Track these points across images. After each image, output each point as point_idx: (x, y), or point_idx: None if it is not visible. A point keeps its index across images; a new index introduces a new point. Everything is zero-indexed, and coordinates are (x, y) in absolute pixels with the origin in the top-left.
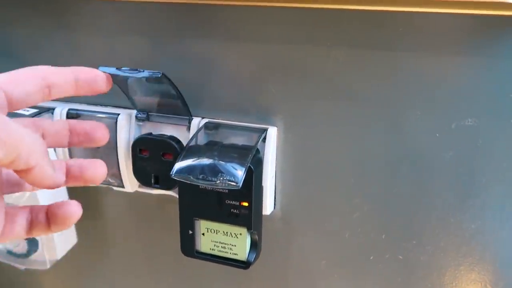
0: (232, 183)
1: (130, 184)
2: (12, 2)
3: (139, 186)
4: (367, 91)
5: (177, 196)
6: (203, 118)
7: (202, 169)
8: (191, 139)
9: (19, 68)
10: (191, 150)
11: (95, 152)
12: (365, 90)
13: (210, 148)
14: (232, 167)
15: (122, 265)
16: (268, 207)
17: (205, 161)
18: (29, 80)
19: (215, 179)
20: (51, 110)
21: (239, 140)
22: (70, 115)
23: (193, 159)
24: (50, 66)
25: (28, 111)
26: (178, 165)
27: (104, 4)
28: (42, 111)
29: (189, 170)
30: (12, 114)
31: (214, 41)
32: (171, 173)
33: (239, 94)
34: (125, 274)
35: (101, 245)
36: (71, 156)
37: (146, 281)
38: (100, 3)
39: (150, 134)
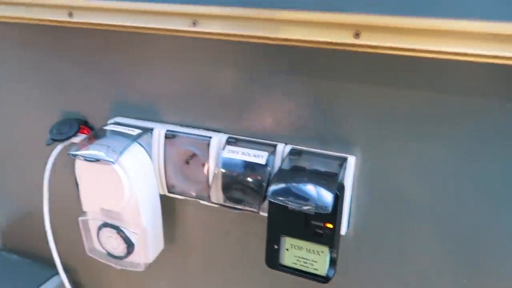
0: (323, 207)
1: (217, 198)
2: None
3: (224, 201)
4: (440, 132)
5: (258, 213)
6: (286, 144)
7: (294, 192)
8: (281, 163)
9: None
10: (282, 174)
11: (187, 169)
12: (437, 131)
13: (299, 173)
14: (322, 192)
15: (202, 271)
16: (343, 227)
17: (297, 185)
18: None
19: (307, 203)
20: (150, 130)
21: (320, 166)
22: (167, 136)
23: (285, 183)
24: None
25: (133, 131)
26: (273, 187)
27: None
28: (144, 131)
29: (282, 192)
30: (119, 134)
31: (305, 79)
32: (266, 193)
33: (323, 124)
34: (204, 281)
35: (184, 252)
36: (165, 171)
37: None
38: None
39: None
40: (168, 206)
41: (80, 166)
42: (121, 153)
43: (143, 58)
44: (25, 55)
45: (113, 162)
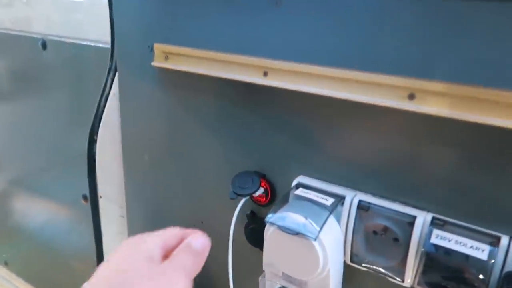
0: None
1: (411, 280)
2: None
3: (420, 284)
4: None
5: None
6: None
7: None
8: (506, 263)
9: None
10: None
11: (376, 240)
12: None
13: None
14: None
15: None
16: None
17: None
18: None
19: None
20: (342, 198)
21: None
22: (361, 206)
23: None
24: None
25: (327, 200)
26: None
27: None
28: (337, 200)
29: None
30: (311, 201)
31: None
32: None
33: None
34: None
35: None
36: (352, 240)
37: None
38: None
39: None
40: (348, 274)
41: (272, 232)
42: (321, 228)
43: (337, 122)
44: (219, 106)
45: (314, 239)
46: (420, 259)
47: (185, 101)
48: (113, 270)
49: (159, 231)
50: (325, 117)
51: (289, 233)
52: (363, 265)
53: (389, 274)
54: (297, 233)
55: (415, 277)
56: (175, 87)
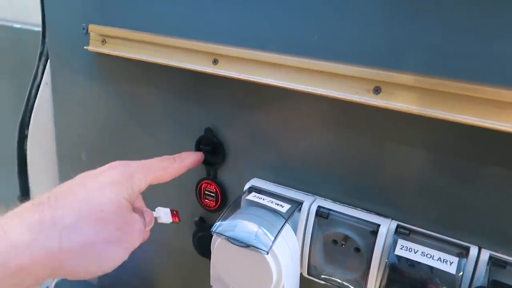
0: None
1: None
2: None
3: None
4: None
5: None
6: (481, 249)
7: None
8: (475, 276)
9: None
10: None
11: (334, 251)
12: None
13: None
14: None
15: None
16: None
17: None
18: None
19: None
20: (298, 205)
21: None
22: (320, 213)
23: None
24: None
25: (282, 206)
26: None
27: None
28: (293, 206)
29: None
30: (265, 208)
31: None
32: None
33: None
34: None
35: None
36: (309, 251)
37: None
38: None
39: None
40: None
41: (220, 243)
42: (275, 239)
43: (294, 118)
44: (163, 98)
45: (266, 252)
46: (384, 271)
47: (126, 92)
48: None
49: None
50: (281, 112)
51: (238, 245)
52: (322, 277)
53: (349, 287)
54: (247, 245)
55: None
56: (114, 75)
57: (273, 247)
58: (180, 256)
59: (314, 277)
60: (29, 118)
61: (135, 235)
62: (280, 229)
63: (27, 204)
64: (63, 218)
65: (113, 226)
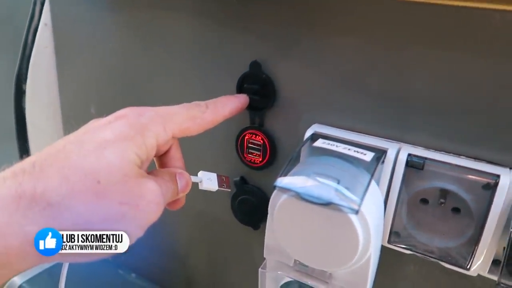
0: None
1: (482, 269)
2: None
3: (488, 272)
4: None
5: None
6: None
7: None
8: None
9: None
10: None
11: (424, 212)
12: None
13: None
14: None
15: None
16: None
17: None
18: None
19: None
20: (383, 152)
21: None
22: (411, 163)
23: None
24: None
25: (365, 154)
26: None
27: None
28: (377, 155)
29: None
30: (343, 158)
31: None
32: None
33: None
34: None
35: None
36: (394, 214)
37: None
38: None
39: None
40: (382, 260)
41: (284, 202)
42: (363, 196)
43: (377, 36)
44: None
45: (355, 212)
46: (506, 237)
47: (143, 22)
48: None
49: None
50: (357, 31)
51: (314, 203)
52: (405, 246)
53: (446, 258)
54: (327, 203)
55: (490, 265)
56: (130, 5)
57: (361, 208)
58: (216, 225)
59: (397, 245)
60: (26, 70)
61: (149, 208)
62: (368, 183)
63: (6, 172)
64: (46, 194)
65: (115, 200)
